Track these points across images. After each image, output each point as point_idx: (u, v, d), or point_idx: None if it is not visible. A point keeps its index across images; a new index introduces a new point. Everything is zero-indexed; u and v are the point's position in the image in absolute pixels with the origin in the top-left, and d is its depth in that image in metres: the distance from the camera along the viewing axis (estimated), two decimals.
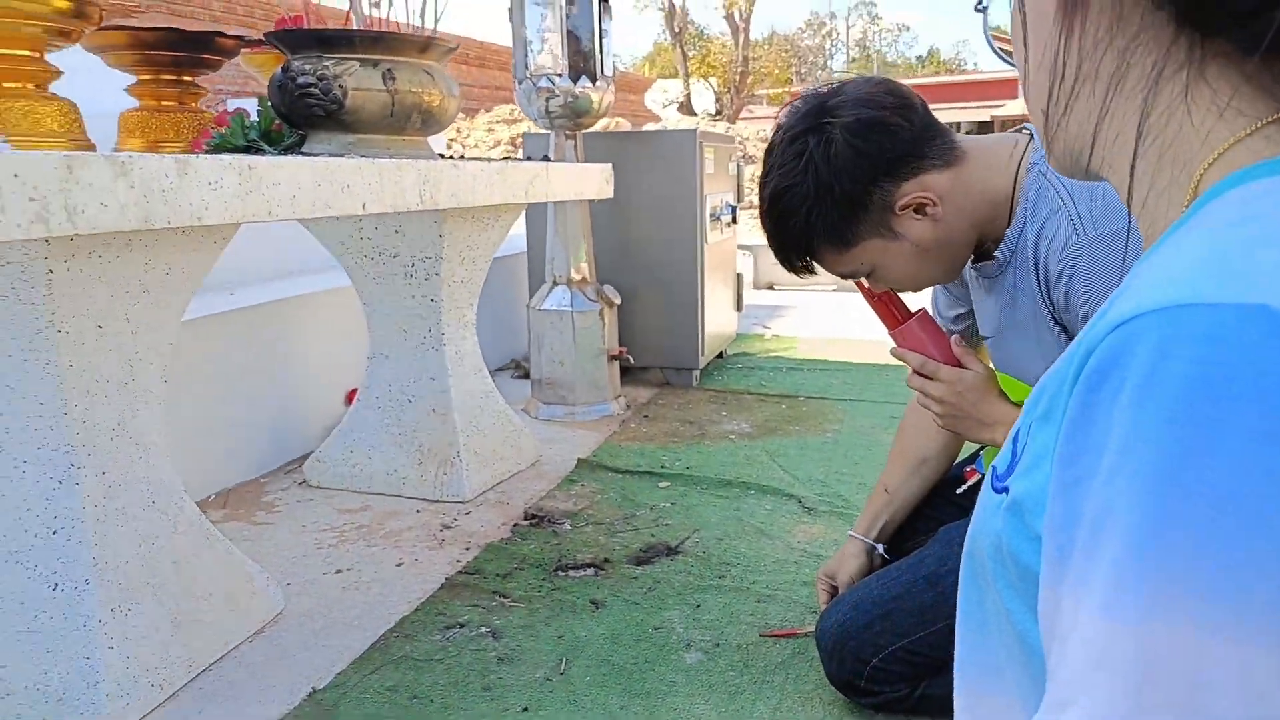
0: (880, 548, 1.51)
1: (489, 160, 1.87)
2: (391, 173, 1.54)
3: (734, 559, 1.93)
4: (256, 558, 1.89)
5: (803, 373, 3.56)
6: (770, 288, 6.03)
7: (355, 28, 1.70)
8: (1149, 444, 0.34)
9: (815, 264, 1.19)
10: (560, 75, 2.73)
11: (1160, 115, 0.44)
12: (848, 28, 42.53)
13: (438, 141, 4.83)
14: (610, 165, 2.48)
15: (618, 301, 3.03)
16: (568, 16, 2.72)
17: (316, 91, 1.61)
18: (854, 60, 42.43)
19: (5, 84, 1.47)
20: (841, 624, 1.35)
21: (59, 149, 1.48)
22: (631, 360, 3.12)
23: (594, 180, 2.37)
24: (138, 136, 1.81)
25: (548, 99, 2.77)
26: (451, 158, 2.29)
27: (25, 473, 1.35)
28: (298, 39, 1.64)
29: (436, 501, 2.26)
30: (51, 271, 1.20)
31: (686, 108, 22.40)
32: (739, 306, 3.87)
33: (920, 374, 1.22)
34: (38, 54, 1.50)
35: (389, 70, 1.65)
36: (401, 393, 2.31)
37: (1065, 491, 0.38)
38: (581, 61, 2.76)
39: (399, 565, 1.92)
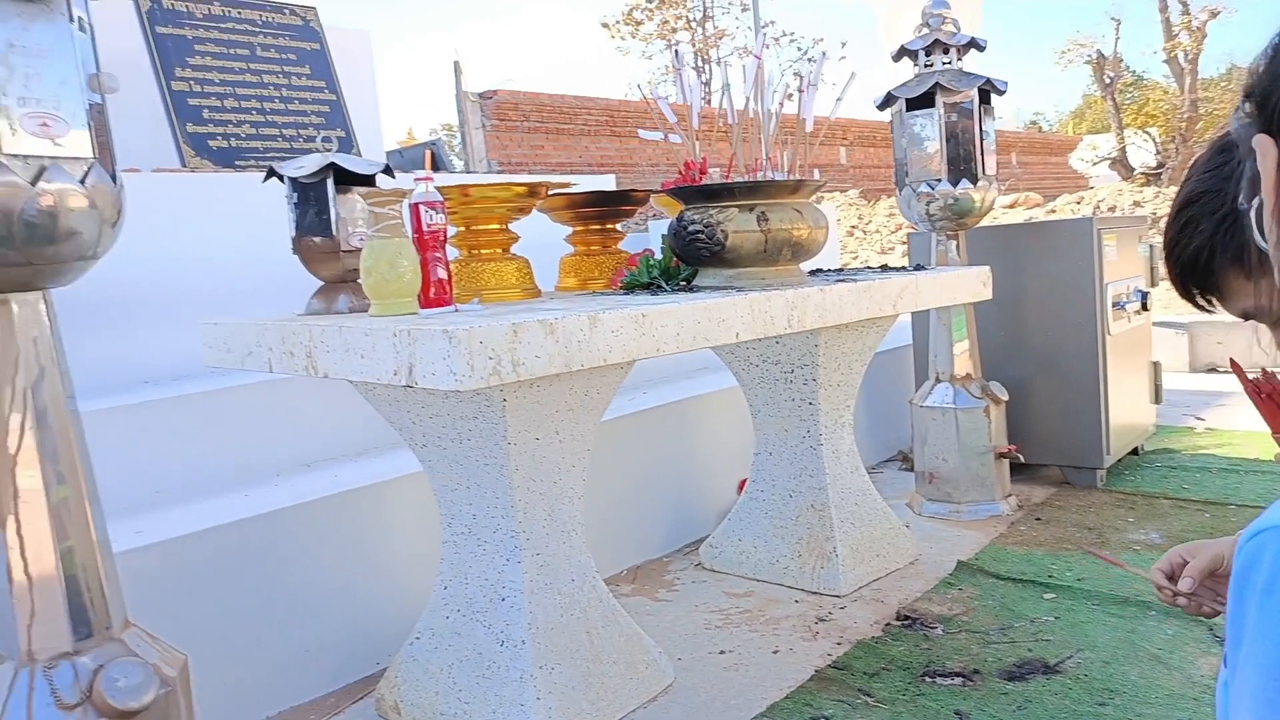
0: None
1: (854, 280, 2.03)
2: (762, 303, 1.77)
3: (1120, 686, 1.81)
4: (653, 632, 2.18)
5: (1238, 475, 3.13)
6: (1212, 370, 5.31)
7: (736, 179, 1.97)
8: (1266, 639, 0.41)
9: (1214, 291, 0.99)
10: (940, 180, 2.81)
11: None
12: None
13: (839, 226, 5.10)
14: (988, 268, 2.49)
15: (1004, 398, 2.96)
16: (947, 122, 2.79)
17: (703, 237, 1.90)
18: None
19: (482, 251, 1.96)
20: None
21: (516, 299, 1.92)
22: (1022, 458, 3.01)
23: (970, 285, 2.40)
24: (572, 276, 2.25)
25: (928, 203, 2.85)
26: (835, 270, 2.47)
27: (485, 549, 1.76)
28: (689, 193, 1.95)
29: (814, 593, 2.40)
30: (505, 400, 1.58)
31: (1121, 165, 20.44)
32: (1157, 398, 3.52)
33: None
34: (504, 226, 1.98)
35: (763, 213, 1.89)
36: (783, 488, 2.51)
37: (1233, 675, 0.45)
38: (962, 163, 2.81)
39: (775, 653, 2.09)
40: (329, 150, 1.74)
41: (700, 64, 30.80)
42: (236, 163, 3.11)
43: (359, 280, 1.62)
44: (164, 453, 2.11)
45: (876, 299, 2.08)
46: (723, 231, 1.89)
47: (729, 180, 1.99)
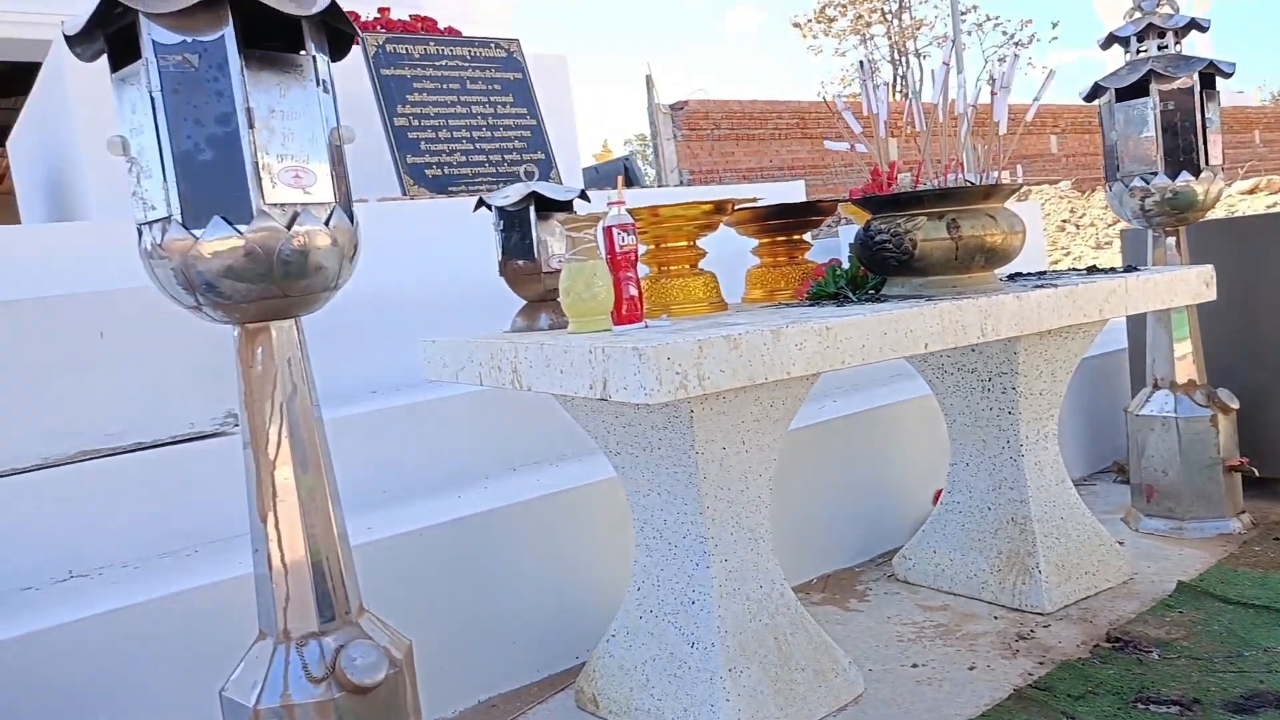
0: None
1: (1054, 286, 1.94)
2: (952, 313, 1.74)
3: None
4: (844, 642, 2.18)
5: None
6: None
7: (925, 188, 1.95)
8: None
9: None
10: (1155, 173, 2.62)
11: None
12: None
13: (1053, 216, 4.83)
14: (1210, 267, 2.30)
15: (1234, 406, 2.71)
16: (1164, 111, 2.61)
17: (890, 246, 1.89)
18: None
19: (670, 267, 2.04)
20: None
21: (703, 312, 1.99)
22: (1256, 472, 2.75)
23: (1188, 286, 2.24)
24: (759, 288, 2.30)
25: (1142, 198, 2.67)
26: (1036, 274, 2.38)
27: (676, 554, 1.83)
28: (877, 203, 1.94)
29: (1015, 610, 2.31)
30: (693, 412, 1.65)
31: None
32: None
33: None
34: (691, 242, 2.05)
35: (953, 220, 1.86)
36: (982, 499, 2.43)
37: None
38: (1182, 154, 2.61)
39: (971, 669, 2.04)
40: (530, 179, 1.88)
41: (897, 56, 29.84)
42: (449, 189, 3.38)
43: (558, 299, 1.75)
44: (389, 456, 2.34)
45: (1080, 305, 1.99)
46: (911, 240, 1.88)
47: (917, 188, 1.97)
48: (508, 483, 2.34)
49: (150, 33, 1.18)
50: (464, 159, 3.47)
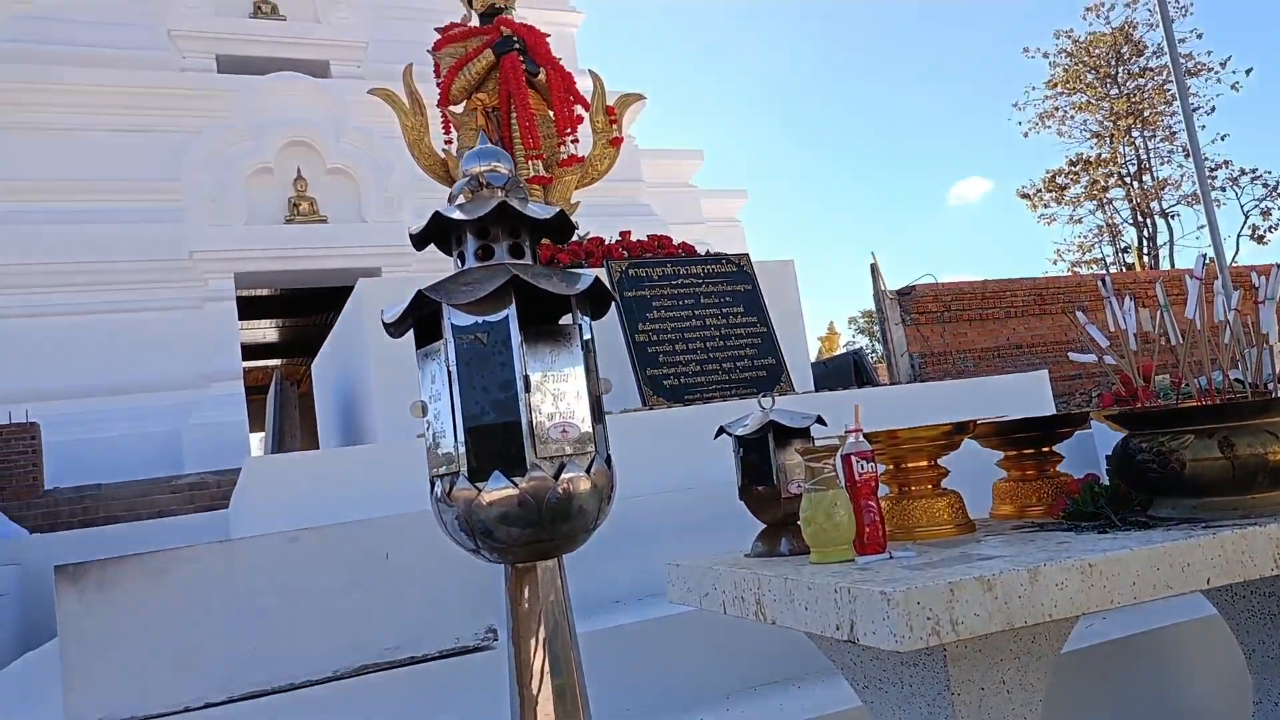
0: None
1: None
2: (1236, 543, 1.59)
3: None
4: None
5: None
6: None
7: (1194, 404, 1.83)
8: None
9: None
10: None
11: None
12: None
13: None
14: None
15: None
16: None
17: (1154, 467, 1.78)
18: None
19: (913, 488, 2.02)
20: None
21: (950, 535, 1.94)
22: None
23: None
24: (1008, 503, 2.20)
25: None
26: None
27: None
28: (1135, 420, 1.85)
29: None
30: (946, 650, 1.59)
31: None
32: None
33: None
34: (932, 462, 2.03)
35: (1225, 438, 1.73)
36: None
37: None
38: None
39: None
40: (768, 408, 1.96)
41: (1140, 219, 28.41)
42: (686, 397, 3.55)
43: (798, 523, 1.77)
44: (630, 672, 2.38)
45: None
46: (1178, 460, 1.76)
47: (1178, 403, 1.86)
48: (750, 705, 2.30)
49: (450, 317, 1.40)
50: (699, 369, 3.65)
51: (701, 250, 4.95)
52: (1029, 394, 3.90)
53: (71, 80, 11.48)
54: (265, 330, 15.58)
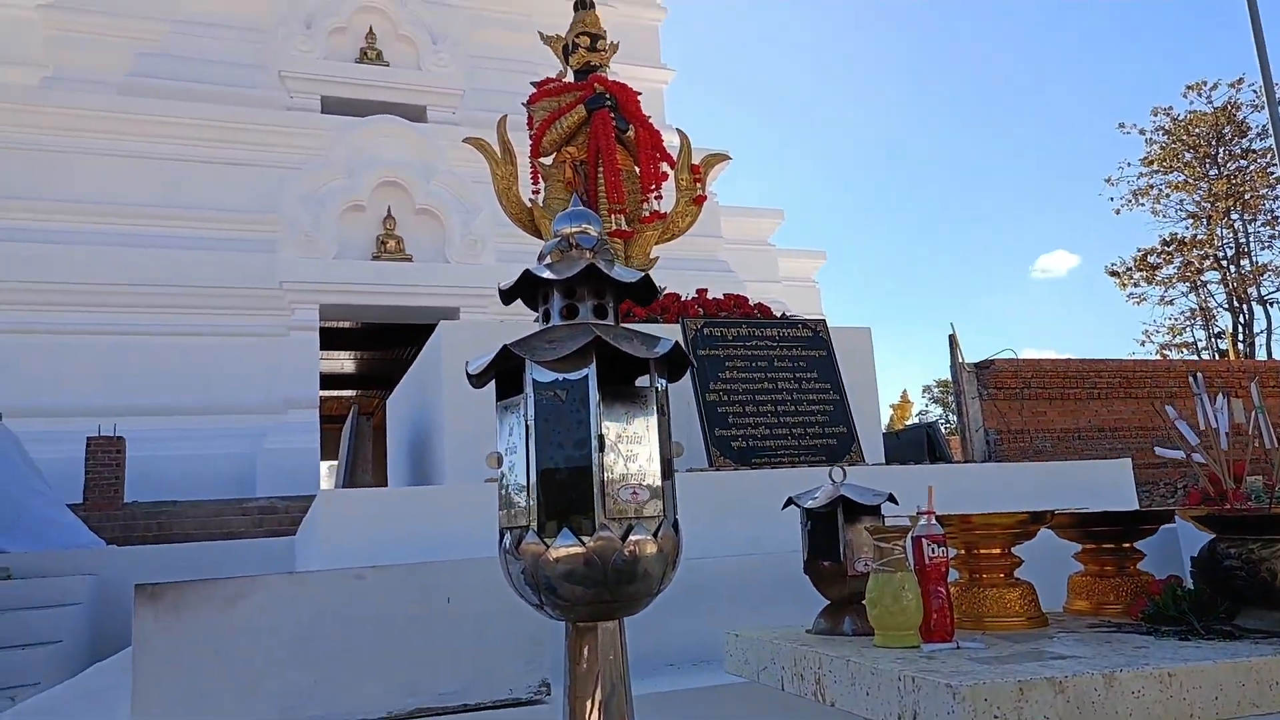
0: None
1: None
2: None
3: None
4: None
5: None
6: None
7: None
8: None
9: None
10: None
11: None
12: None
13: None
14: None
15: None
16: None
17: (1242, 574, 1.70)
18: None
19: (984, 576, 1.97)
20: None
21: (1020, 628, 1.88)
22: None
23: None
24: (1084, 599, 2.13)
25: None
26: None
27: None
28: (1223, 523, 1.78)
29: None
30: None
31: None
32: None
33: None
34: (1006, 550, 1.98)
35: None
36: None
37: None
38: None
39: None
40: (839, 483, 1.94)
41: (1236, 304, 27.39)
42: (753, 460, 3.53)
43: (863, 602, 1.74)
44: None
45: None
46: (1269, 570, 1.68)
47: (1271, 508, 1.78)
48: None
49: (533, 373, 1.43)
50: (768, 432, 3.63)
51: (777, 310, 4.95)
52: (1111, 482, 3.77)
53: (183, 114, 12.16)
54: (344, 361, 16.01)
